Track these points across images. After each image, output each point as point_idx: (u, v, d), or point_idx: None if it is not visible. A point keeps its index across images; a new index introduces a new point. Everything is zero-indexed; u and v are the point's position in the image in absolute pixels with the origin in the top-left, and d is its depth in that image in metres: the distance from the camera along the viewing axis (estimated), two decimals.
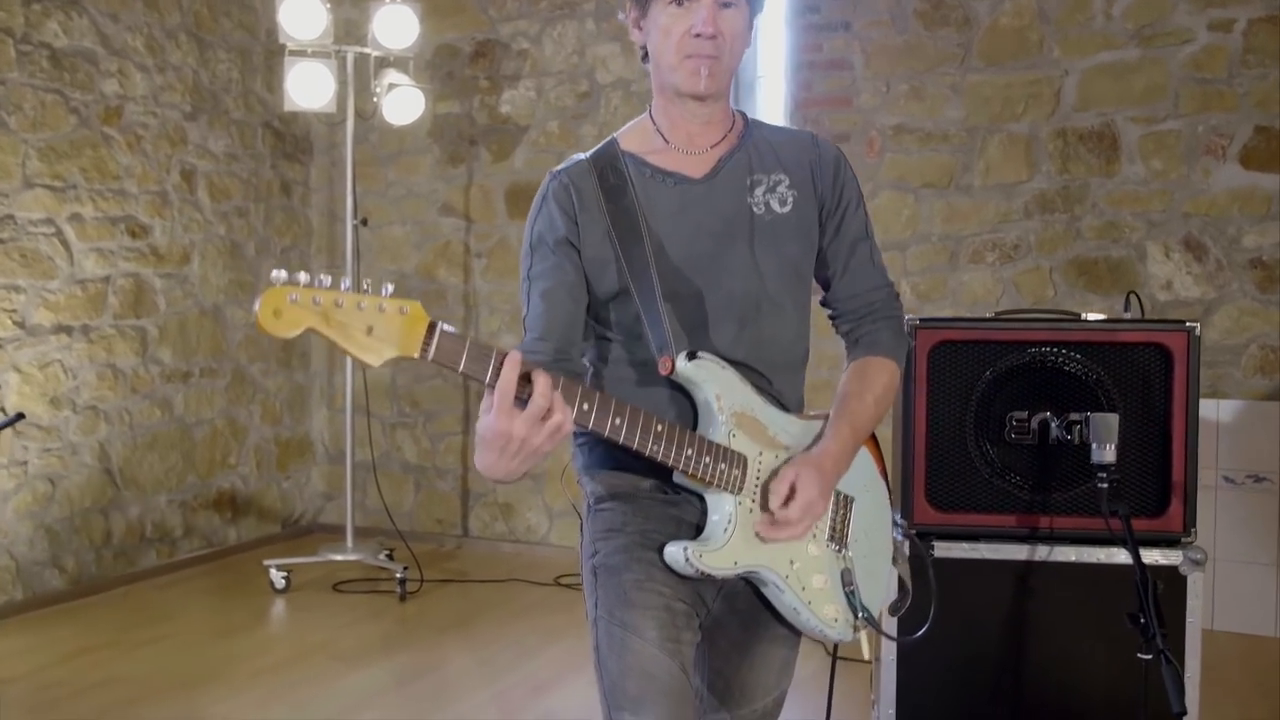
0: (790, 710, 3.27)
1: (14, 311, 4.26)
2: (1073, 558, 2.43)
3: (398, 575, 4.51)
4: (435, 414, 5.49)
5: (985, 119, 4.59)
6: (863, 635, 1.72)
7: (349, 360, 4.86)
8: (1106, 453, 2.18)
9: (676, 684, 1.51)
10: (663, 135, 1.70)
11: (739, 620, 1.70)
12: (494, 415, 1.35)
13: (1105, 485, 2.18)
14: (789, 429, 1.65)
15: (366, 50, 4.70)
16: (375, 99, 4.79)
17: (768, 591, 1.63)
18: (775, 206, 1.68)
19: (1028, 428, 2.44)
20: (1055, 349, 2.44)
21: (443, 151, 5.45)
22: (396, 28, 4.65)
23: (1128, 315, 2.62)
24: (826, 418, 1.69)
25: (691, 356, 1.55)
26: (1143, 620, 1.98)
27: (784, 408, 1.68)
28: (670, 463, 1.49)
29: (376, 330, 1.30)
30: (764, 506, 1.58)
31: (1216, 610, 4.03)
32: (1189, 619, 2.37)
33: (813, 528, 1.64)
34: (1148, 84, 4.38)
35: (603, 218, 1.64)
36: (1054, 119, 4.51)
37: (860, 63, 4.74)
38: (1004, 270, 4.57)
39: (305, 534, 5.57)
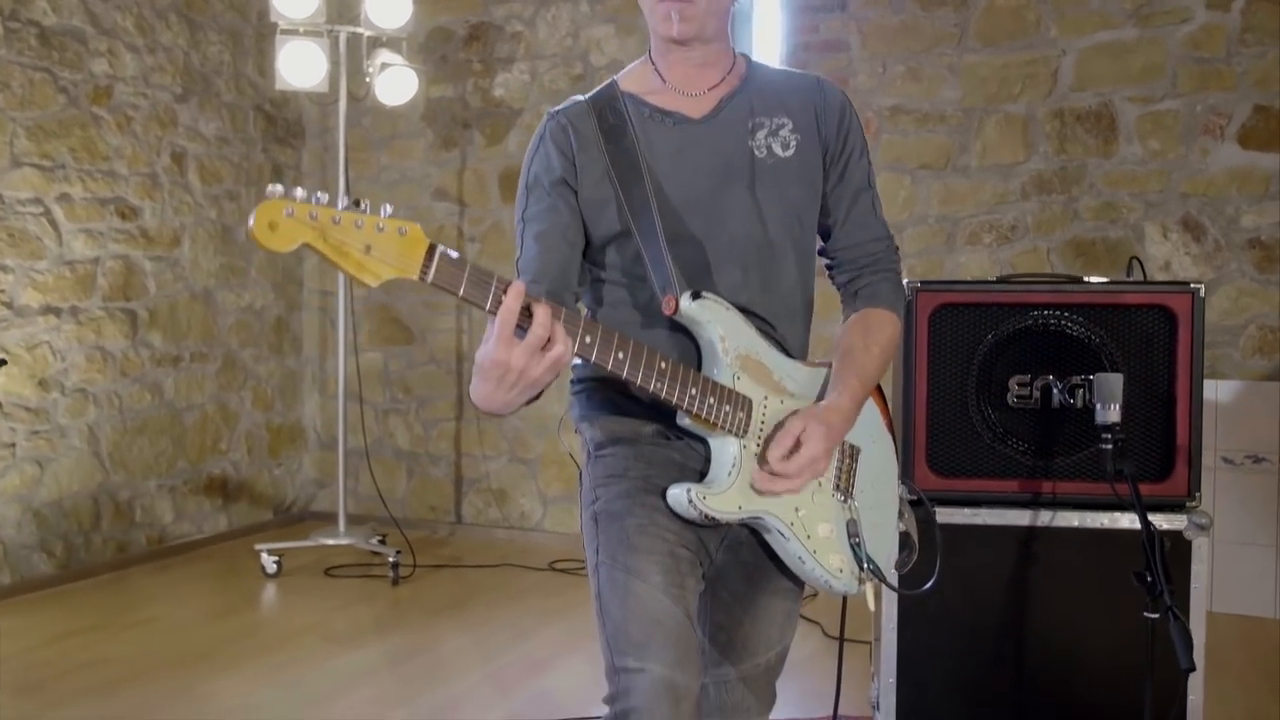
0: (791, 688, 3.25)
1: (2, 292, 4.21)
2: (1075, 523, 2.39)
3: (390, 559, 4.47)
4: (428, 400, 5.45)
5: (982, 100, 4.56)
6: (868, 587, 1.68)
7: (341, 346, 4.83)
8: (1111, 412, 2.15)
9: (681, 629, 1.47)
10: (660, 75, 1.67)
11: (742, 572, 1.66)
12: (493, 344, 1.31)
13: (1110, 446, 2.15)
14: (794, 375, 1.62)
15: (359, 30, 4.66)
16: (368, 79, 4.75)
17: (772, 539, 1.59)
18: (778, 150, 1.65)
19: (1030, 392, 2.41)
20: (1057, 312, 2.41)
21: (436, 135, 5.41)
22: (389, 8, 4.61)
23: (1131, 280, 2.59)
24: (831, 366, 1.66)
25: (696, 296, 1.52)
26: (1149, 579, 1.95)
27: (789, 354, 1.64)
28: (674, 401, 1.46)
29: (375, 249, 1.26)
30: (764, 457, 1.54)
31: (1216, 592, 4.00)
32: (1193, 584, 2.34)
33: (811, 483, 1.60)
34: (1145, 63, 4.36)
35: (602, 157, 1.60)
36: (1051, 99, 4.48)
37: (856, 43, 4.71)
38: (1001, 251, 4.54)
39: (297, 521, 5.52)
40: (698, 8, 1.58)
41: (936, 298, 2.44)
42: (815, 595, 4.17)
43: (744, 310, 1.58)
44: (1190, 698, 2.36)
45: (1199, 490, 2.38)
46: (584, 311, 1.68)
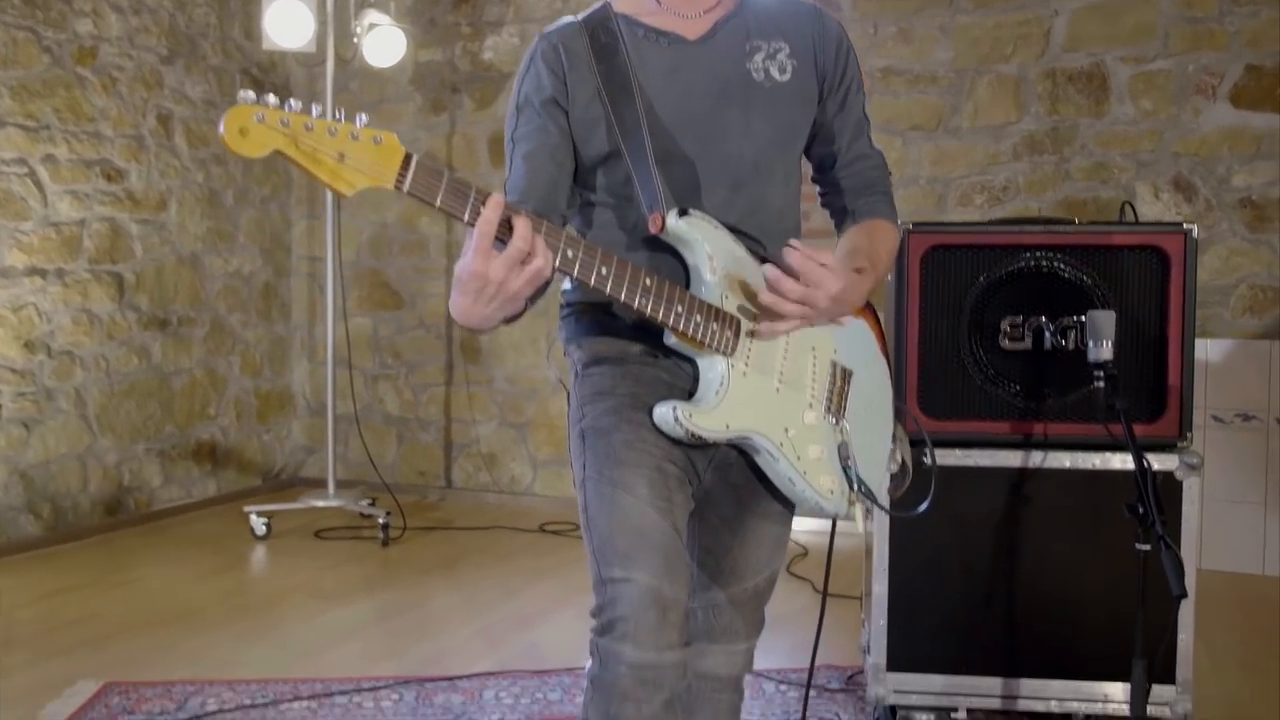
0: (780, 641, 3.25)
1: None
2: (1067, 464, 2.39)
3: (380, 521, 4.45)
4: (417, 365, 5.43)
5: (974, 60, 4.54)
6: (858, 509, 1.67)
7: (330, 312, 4.80)
8: (1103, 350, 2.14)
9: (668, 541, 1.45)
10: None
11: (731, 495, 1.65)
12: (471, 256, 1.28)
13: (1102, 383, 2.14)
14: None
15: None
16: (355, 39, 4.71)
17: (761, 460, 1.58)
18: (775, 74, 1.63)
19: (1022, 334, 2.41)
20: (1049, 253, 2.40)
21: (425, 99, 5.37)
22: None
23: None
24: None
25: (683, 213, 1.50)
26: (1141, 510, 1.94)
27: None
28: (660, 318, 1.44)
29: (349, 158, 1.24)
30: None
31: (1206, 550, 4.01)
32: (1184, 524, 2.34)
33: (800, 404, 1.59)
34: (1138, 23, 4.34)
35: (593, 77, 1.58)
36: (1043, 60, 4.47)
37: (848, 4, 4.68)
38: (992, 213, 4.52)
39: (286, 487, 5.50)
40: None
41: (928, 239, 2.43)
42: (805, 554, 4.18)
43: (733, 230, 1.57)
44: (1181, 636, 2.37)
45: (1190, 431, 2.38)
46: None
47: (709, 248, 1.52)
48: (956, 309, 2.43)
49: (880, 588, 2.42)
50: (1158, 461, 2.35)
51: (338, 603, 3.71)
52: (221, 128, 1.21)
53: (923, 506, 1.77)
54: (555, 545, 4.50)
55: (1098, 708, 2.40)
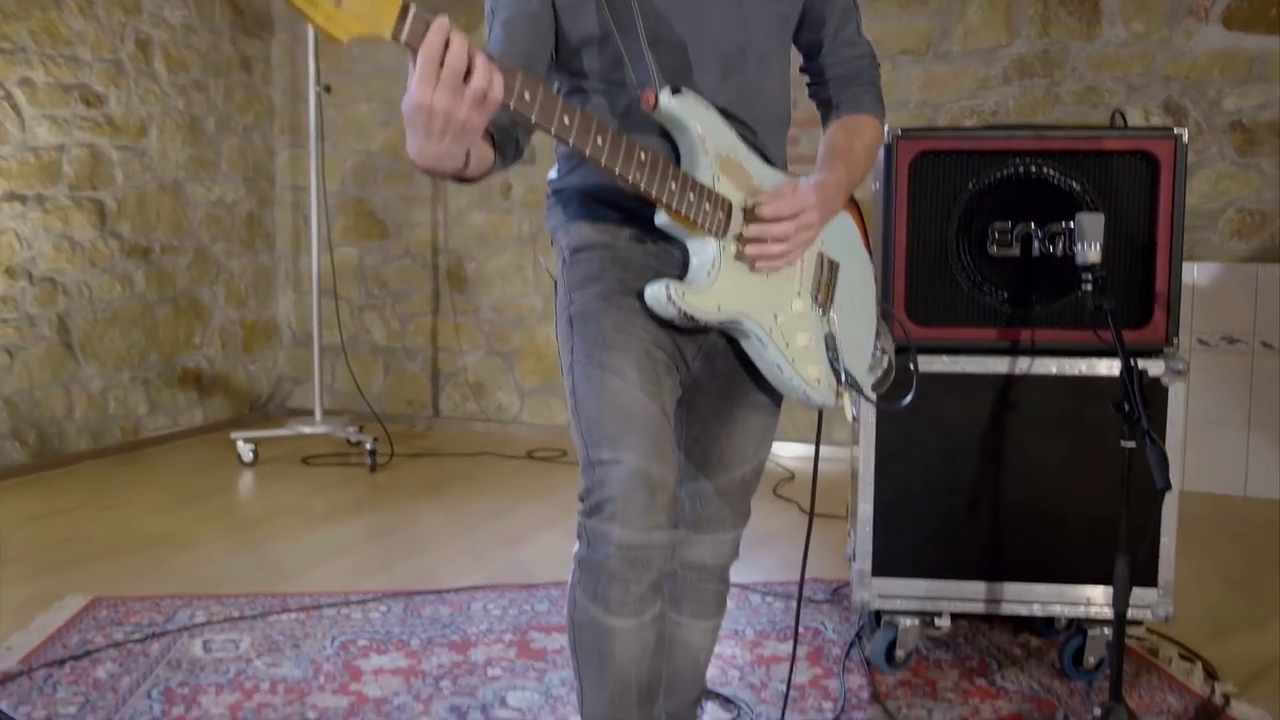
0: (767, 557, 3.28)
1: None
2: (1053, 370, 2.39)
3: (368, 446, 4.45)
4: (403, 295, 5.40)
5: None
6: (845, 400, 1.67)
7: (315, 242, 4.76)
8: (1091, 252, 2.13)
9: (657, 423, 1.45)
10: None
11: (718, 385, 1.64)
12: (413, 86, 1.22)
13: (1090, 287, 2.13)
14: (774, 180, 1.59)
15: None
16: None
17: (749, 346, 1.57)
18: None
19: (1010, 240, 2.39)
20: (1039, 159, 2.38)
21: None
22: None
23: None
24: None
25: (676, 92, 1.47)
26: (1128, 407, 1.95)
27: (769, 162, 1.61)
28: (653, 194, 1.42)
29: (346, 3, 1.19)
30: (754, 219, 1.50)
31: (1188, 472, 4.04)
32: (1169, 429, 2.35)
33: (789, 291, 1.58)
34: None
35: None
36: None
37: None
38: None
39: (273, 417, 5.49)
40: None
41: (916, 145, 2.41)
42: (792, 478, 4.20)
43: (724, 113, 1.55)
44: (1163, 539, 2.39)
45: (1177, 336, 2.38)
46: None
47: (701, 128, 1.50)
48: (944, 216, 2.42)
49: (866, 494, 2.43)
50: (1144, 366, 2.35)
51: (326, 523, 3.72)
52: None
53: (908, 398, 1.77)
54: (543, 470, 4.51)
55: (1080, 611, 2.42)
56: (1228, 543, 3.55)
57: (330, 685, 2.43)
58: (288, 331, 5.67)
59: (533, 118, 1.30)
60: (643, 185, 1.41)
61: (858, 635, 2.67)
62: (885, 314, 1.79)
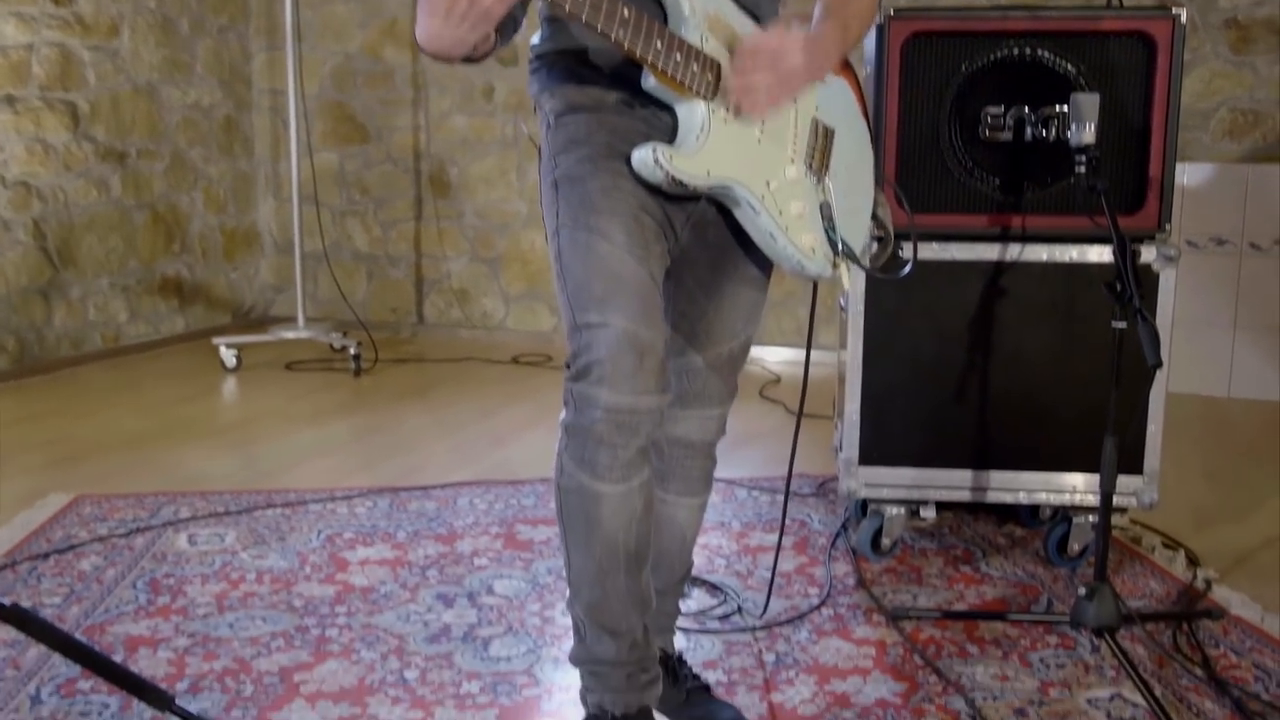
0: (753, 454, 3.28)
1: None
2: (1044, 257, 2.37)
3: (352, 351, 4.42)
4: (385, 201, 5.32)
5: None
6: (842, 270, 1.64)
7: (294, 148, 4.67)
8: (1086, 133, 2.09)
9: (645, 286, 1.42)
10: None
11: (708, 257, 1.61)
12: None
13: (1083, 169, 2.09)
14: None
15: None
16: None
17: (741, 215, 1.54)
18: None
19: (1003, 124, 2.35)
20: (1034, 40, 2.32)
21: None
22: None
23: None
24: None
25: None
26: (1119, 287, 1.93)
27: (760, 23, 1.55)
28: (638, 53, 1.37)
29: None
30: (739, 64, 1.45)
31: (1173, 373, 4.03)
32: (1159, 315, 2.33)
33: (782, 157, 1.54)
34: None
35: None
36: None
37: None
38: None
39: (256, 326, 5.44)
40: None
41: (909, 26, 2.35)
42: (778, 381, 4.19)
43: None
44: (1150, 427, 2.39)
45: (1169, 223, 2.35)
46: None
47: None
48: (936, 100, 2.37)
49: (854, 382, 2.42)
50: (1135, 251, 2.32)
51: (310, 425, 3.70)
52: None
53: (906, 269, 1.74)
54: (528, 374, 4.49)
55: (1065, 498, 2.43)
56: (1211, 440, 3.57)
57: (316, 575, 2.42)
58: (269, 239, 5.59)
59: None
60: (626, 43, 1.35)
61: (843, 526, 2.68)
62: (880, 183, 1.75)
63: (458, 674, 1.98)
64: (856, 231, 1.68)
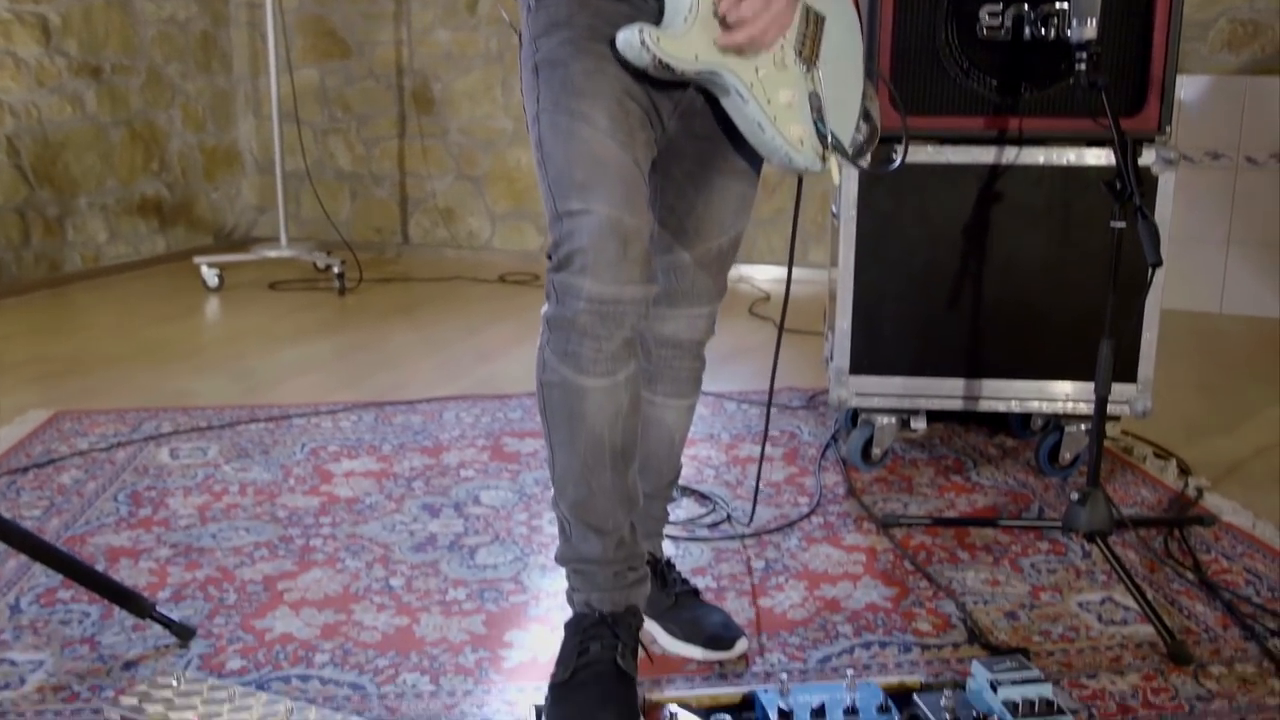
0: (740, 369, 3.25)
1: None
2: (1040, 160, 2.31)
3: (336, 270, 4.35)
4: (368, 118, 5.21)
5: None
6: (832, 163, 1.58)
7: (273, 63, 4.54)
8: (1087, 29, 2.02)
9: (629, 173, 1.36)
10: None
11: (696, 147, 1.55)
12: None
13: (1084, 65, 2.03)
14: None
15: None
16: None
17: (729, 103, 1.48)
18: None
19: (1001, 21, 2.28)
20: None
21: None
22: None
23: None
24: None
25: None
26: (1119, 185, 1.88)
27: None
28: None
29: None
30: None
31: (1165, 290, 3.99)
32: (1157, 219, 2.28)
33: (777, 37, 1.47)
34: None
35: None
36: None
37: None
38: None
39: (239, 247, 5.36)
40: None
41: None
42: (768, 298, 4.15)
43: None
44: (1145, 334, 2.35)
45: (1170, 125, 2.29)
46: None
47: None
48: None
49: (845, 290, 2.37)
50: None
51: (294, 343, 3.65)
52: None
53: (896, 163, 1.68)
54: (516, 292, 4.44)
55: (1058, 406, 2.40)
56: (1203, 355, 3.55)
57: (300, 487, 2.39)
58: (249, 158, 5.48)
59: None
60: None
61: (833, 437, 2.65)
62: (870, 75, 1.69)
63: (444, 581, 1.96)
64: (845, 124, 1.62)
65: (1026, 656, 1.50)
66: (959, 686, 1.48)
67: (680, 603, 1.72)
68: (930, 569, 2.00)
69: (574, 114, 1.35)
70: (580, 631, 1.42)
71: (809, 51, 1.55)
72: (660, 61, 1.38)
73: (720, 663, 1.68)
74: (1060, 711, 1.38)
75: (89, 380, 3.19)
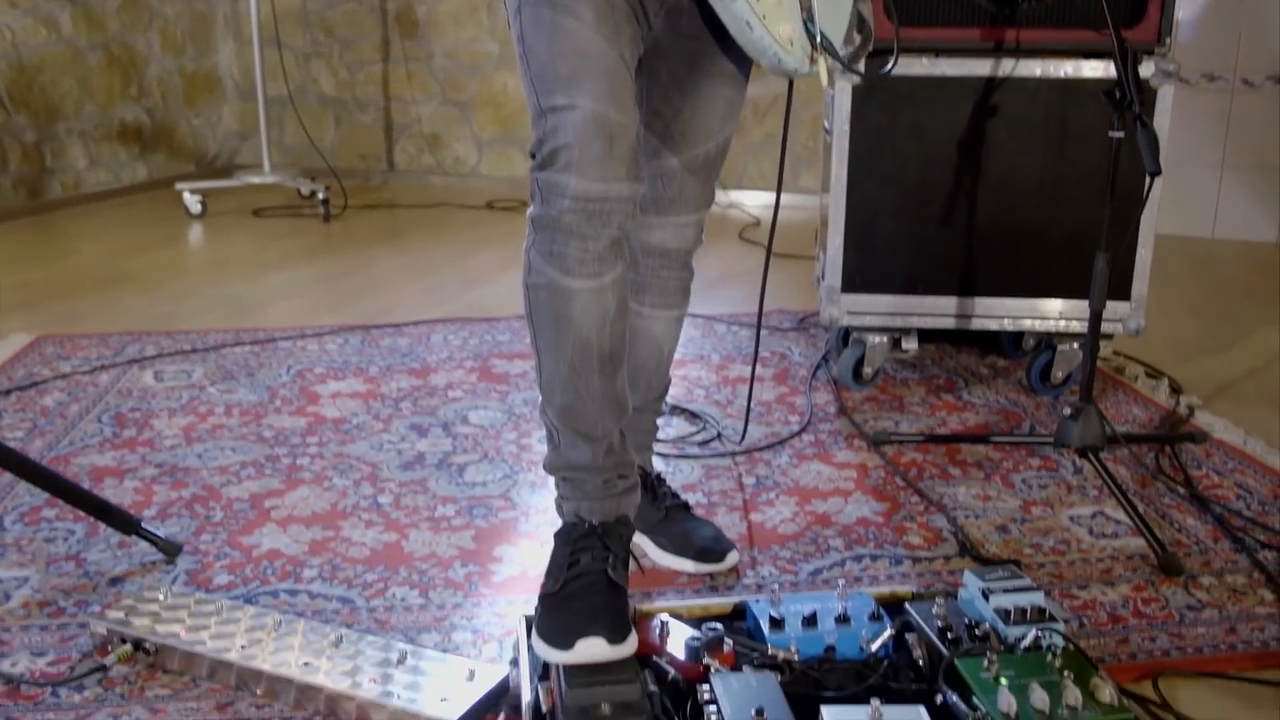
0: (730, 293, 3.21)
1: None
2: (1037, 72, 2.26)
3: (320, 196, 4.29)
4: (351, 42, 5.10)
5: None
6: (821, 64, 1.54)
7: None
8: None
9: (615, 67, 1.31)
10: None
11: (683, 49, 1.50)
12: None
13: None
14: None
15: None
16: None
17: (716, 1, 1.43)
18: None
19: None
20: None
21: None
22: None
23: None
24: None
25: None
26: (1119, 94, 1.84)
27: None
28: None
29: None
30: None
31: (1160, 215, 3.97)
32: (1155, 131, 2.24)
33: None
34: None
35: None
36: None
37: None
38: None
39: (222, 174, 5.27)
40: None
41: None
42: (758, 224, 4.10)
43: None
44: (1140, 250, 2.33)
45: (1170, 36, 2.25)
46: None
47: None
48: None
49: (837, 206, 2.34)
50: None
51: (279, 268, 3.60)
52: None
53: (889, 67, 1.64)
54: (503, 219, 4.38)
55: (1050, 324, 2.38)
56: (1195, 279, 3.53)
57: (287, 408, 2.37)
58: (230, 83, 5.38)
59: None
60: None
61: (824, 357, 2.63)
62: None
63: (432, 499, 1.94)
64: (836, 24, 1.57)
65: (1018, 567, 1.50)
66: (951, 595, 1.47)
67: (670, 516, 1.71)
68: (921, 484, 2.00)
69: (557, 6, 1.30)
70: (570, 542, 1.40)
71: None
72: None
73: (711, 575, 1.67)
74: (1052, 619, 1.38)
75: (71, 305, 3.14)
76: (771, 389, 2.47)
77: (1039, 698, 1.21)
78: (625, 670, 1.26)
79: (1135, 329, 2.37)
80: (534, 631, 1.34)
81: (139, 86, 4.91)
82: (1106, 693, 1.22)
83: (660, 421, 1.83)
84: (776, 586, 1.56)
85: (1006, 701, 1.20)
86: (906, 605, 1.45)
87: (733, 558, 1.67)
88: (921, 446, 2.17)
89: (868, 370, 2.44)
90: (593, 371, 1.37)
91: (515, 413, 2.34)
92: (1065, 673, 1.25)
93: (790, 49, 1.47)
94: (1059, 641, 1.33)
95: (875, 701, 1.20)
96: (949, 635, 1.36)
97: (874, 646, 1.38)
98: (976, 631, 1.37)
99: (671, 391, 1.77)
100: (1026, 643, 1.34)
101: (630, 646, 1.29)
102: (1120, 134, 1.87)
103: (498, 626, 1.54)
